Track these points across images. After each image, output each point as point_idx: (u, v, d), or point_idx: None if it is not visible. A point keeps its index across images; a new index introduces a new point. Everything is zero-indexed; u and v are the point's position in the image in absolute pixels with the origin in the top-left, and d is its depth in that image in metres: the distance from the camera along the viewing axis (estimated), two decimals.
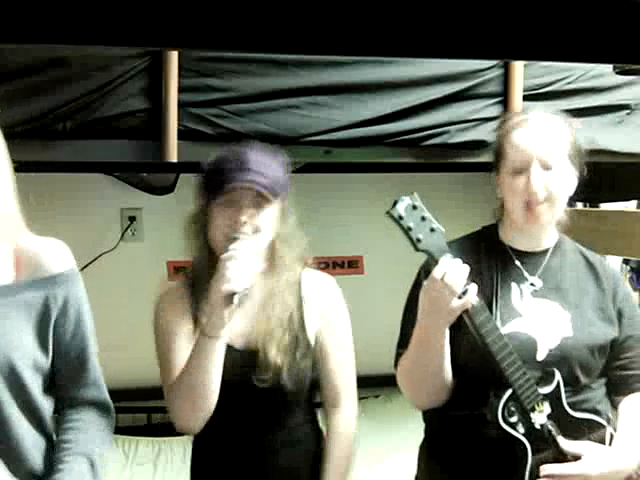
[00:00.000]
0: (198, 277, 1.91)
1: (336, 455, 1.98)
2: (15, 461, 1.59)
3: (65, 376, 1.66)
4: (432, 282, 1.71)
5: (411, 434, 3.58)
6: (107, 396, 1.72)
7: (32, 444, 1.61)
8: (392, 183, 3.89)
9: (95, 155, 2.58)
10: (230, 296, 1.75)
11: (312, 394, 2.01)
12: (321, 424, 2.08)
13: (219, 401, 1.83)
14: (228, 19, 0.92)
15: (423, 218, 1.70)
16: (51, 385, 1.66)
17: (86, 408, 1.68)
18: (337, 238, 3.96)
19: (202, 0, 0.92)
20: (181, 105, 2.54)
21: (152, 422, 3.81)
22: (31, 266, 1.61)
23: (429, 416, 2.01)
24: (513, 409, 1.77)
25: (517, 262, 1.93)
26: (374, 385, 3.80)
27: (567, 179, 1.90)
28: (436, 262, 1.71)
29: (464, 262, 1.78)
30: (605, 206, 3.79)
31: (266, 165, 1.88)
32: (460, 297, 1.70)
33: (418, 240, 1.69)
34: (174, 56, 2.49)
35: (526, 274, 1.92)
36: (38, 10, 0.87)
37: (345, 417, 2.01)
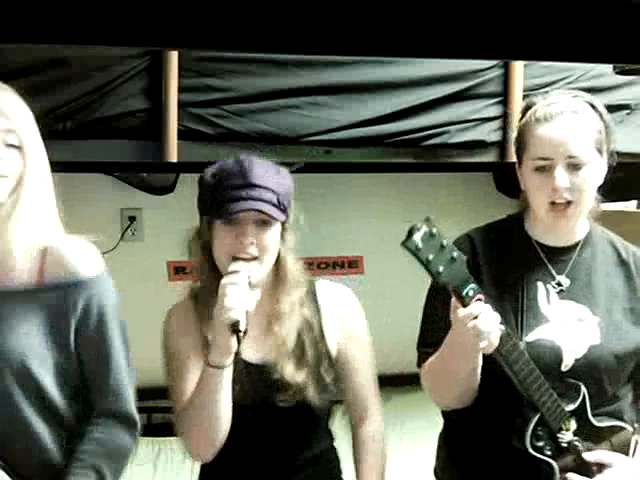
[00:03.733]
0: (204, 296, 1.82)
1: (371, 466, 1.91)
2: (34, 459, 1.59)
3: (89, 383, 1.65)
4: (460, 323, 1.59)
5: (410, 434, 3.59)
6: (131, 409, 1.67)
7: (51, 442, 1.60)
8: (392, 183, 3.90)
9: (95, 155, 2.58)
10: (233, 325, 1.64)
11: (331, 411, 1.93)
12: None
13: (238, 422, 1.75)
14: (228, 19, 0.92)
15: (442, 246, 1.53)
16: (80, 389, 1.64)
17: (106, 419, 1.65)
18: (337, 238, 3.95)
19: (202, 0, 0.92)
20: (181, 105, 2.54)
21: (152, 422, 3.80)
22: (56, 268, 1.60)
23: (449, 415, 1.96)
24: (541, 433, 1.71)
25: (544, 259, 1.82)
26: None
27: (596, 173, 1.78)
28: (459, 294, 1.58)
29: (489, 256, 1.72)
30: (605, 206, 3.78)
31: (271, 183, 1.76)
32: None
33: (438, 273, 1.53)
34: (174, 56, 2.49)
35: (554, 272, 1.81)
36: (38, 10, 0.87)
37: (375, 429, 1.94)
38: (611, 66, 2.62)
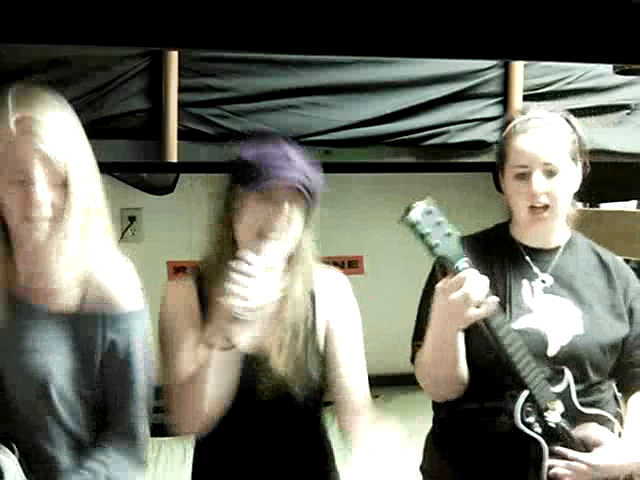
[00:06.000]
0: (214, 270, 1.80)
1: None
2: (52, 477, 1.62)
3: (105, 413, 1.67)
4: (450, 291, 1.68)
5: (410, 434, 3.59)
6: (141, 449, 1.69)
7: (68, 466, 1.63)
8: (392, 183, 3.90)
9: (95, 155, 2.58)
10: (237, 313, 1.65)
11: (321, 405, 1.93)
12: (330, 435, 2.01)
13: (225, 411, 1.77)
14: (228, 19, 0.92)
15: (438, 223, 1.67)
16: (100, 417, 1.67)
17: (116, 449, 1.67)
18: (337, 238, 3.95)
19: (202, 0, 0.92)
20: (181, 105, 2.54)
21: (152, 422, 3.81)
22: (96, 298, 1.62)
23: (438, 406, 2.01)
24: (529, 409, 1.79)
25: (528, 259, 1.95)
26: (374, 385, 3.78)
27: (570, 180, 1.92)
28: (453, 267, 1.69)
29: (476, 259, 1.79)
30: (605, 206, 3.79)
31: (306, 165, 1.81)
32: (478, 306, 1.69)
33: (435, 245, 1.67)
34: (174, 56, 2.49)
35: (537, 270, 1.93)
36: (38, 10, 0.87)
37: (363, 420, 1.88)
38: (611, 66, 2.62)
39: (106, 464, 1.65)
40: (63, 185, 1.55)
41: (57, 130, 1.56)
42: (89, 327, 1.62)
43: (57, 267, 1.58)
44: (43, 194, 1.53)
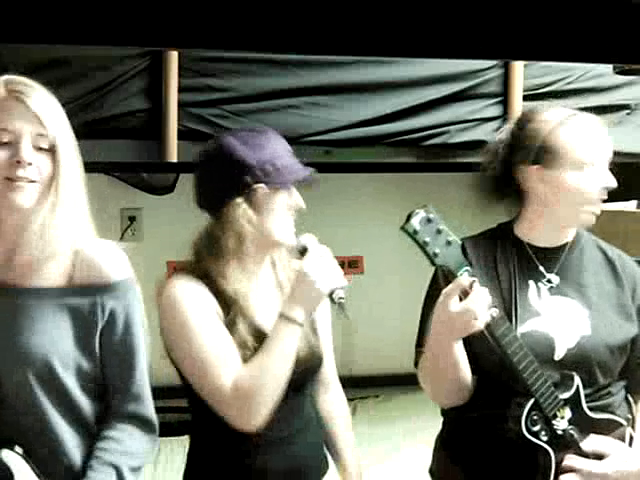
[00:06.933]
0: (221, 269, 1.80)
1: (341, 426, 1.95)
2: (55, 461, 1.60)
3: (110, 385, 1.65)
4: (452, 304, 1.66)
5: (411, 434, 3.60)
6: (151, 412, 1.68)
7: (73, 445, 1.61)
8: (392, 183, 3.90)
9: (95, 155, 2.58)
10: (332, 293, 1.76)
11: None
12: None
13: None
14: (228, 19, 0.92)
15: (439, 231, 1.63)
16: (101, 391, 1.65)
17: (126, 420, 1.65)
18: (337, 238, 3.94)
19: (202, 0, 0.93)
20: (181, 105, 2.54)
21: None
22: (86, 271, 1.60)
23: (447, 411, 2.00)
24: (536, 418, 1.75)
25: (534, 259, 1.90)
26: (374, 385, 3.79)
27: None
28: (453, 276, 1.66)
29: (480, 260, 1.78)
30: (605, 206, 3.79)
31: None
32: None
33: (435, 255, 1.63)
34: (174, 56, 2.49)
35: (543, 271, 1.89)
36: (38, 10, 0.87)
37: (337, 398, 1.98)
38: (611, 66, 2.62)
39: (120, 440, 1.63)
40: (51, 151, 1.55)
41: (45, 99, 1.58)
42: (86, 300, 1.60)
43: (46, 238, 1.56)
44: (29, 154, 1.53)
